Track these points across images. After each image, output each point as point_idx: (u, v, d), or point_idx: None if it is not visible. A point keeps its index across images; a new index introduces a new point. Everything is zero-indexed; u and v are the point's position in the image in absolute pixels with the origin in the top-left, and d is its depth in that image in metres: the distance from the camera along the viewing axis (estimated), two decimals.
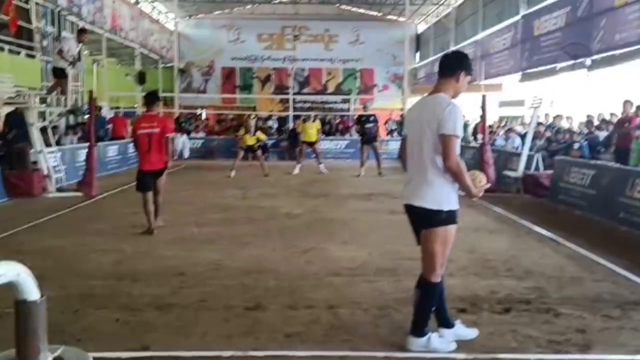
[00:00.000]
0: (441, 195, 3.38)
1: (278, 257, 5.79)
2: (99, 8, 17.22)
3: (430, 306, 3.48)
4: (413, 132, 3.48)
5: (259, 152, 14.25)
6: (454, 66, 3.43)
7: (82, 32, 11.52)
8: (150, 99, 7.18)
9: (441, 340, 3.50)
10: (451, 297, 4.44)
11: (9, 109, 11.28)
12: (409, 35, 25.54)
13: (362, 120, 14.65)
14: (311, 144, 15.03)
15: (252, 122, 14.73)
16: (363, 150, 14.56)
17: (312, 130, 15.01)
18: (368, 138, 14.42)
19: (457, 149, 3.29)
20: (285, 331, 3.74)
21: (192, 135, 20.54)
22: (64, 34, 13.60)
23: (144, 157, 6.89)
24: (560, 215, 8.64)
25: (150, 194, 6.95)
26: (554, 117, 13.97)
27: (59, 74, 10.66)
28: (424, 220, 3.43)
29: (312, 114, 16.35)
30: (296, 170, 14.45)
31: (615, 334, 3.77)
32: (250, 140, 13.96)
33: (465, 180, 3.38)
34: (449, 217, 3.42)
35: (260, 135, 14.43)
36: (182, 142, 18.55)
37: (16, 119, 10.73)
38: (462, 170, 3.31)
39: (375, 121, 14.79)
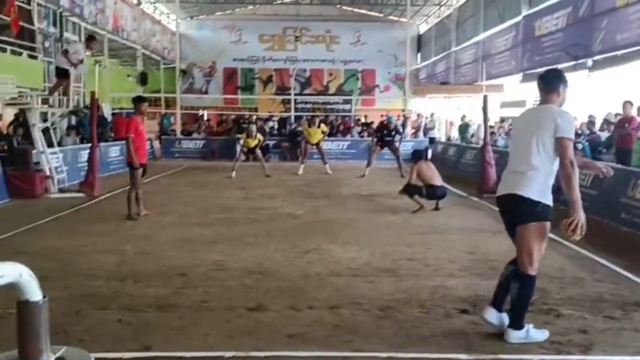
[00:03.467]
0: (542, 188, 3.64)
1: (280, 257, 5.80)
2: (100, 9, 17.26)
3: (528, 299, 3.69)
4: (524, 132, 3.76)
5: (259, 152, 14.28)
6: (555, 83, 3.80)
7: (91, 39, 11.55)
8: (134, 102, 8.37)
9: (537, 331, 3.69)
10: (453, 298, 4.46)
11: (12, 109, 11.31)
12: (410, 36, 25.54)
13: (383, 133, 14.21)
14: (316, 144, 15.01)
15: (254, 128, 14.73)
16: (374, 150, 14.39)
17: (317, 135, 14.99)
18: (386, 142, 14.16)
19: (571, 150, 3.59)
20: (287, 332, 3.75)
21: (194, 135, 20.56)
22: (71, 36, 13.65)
23: (138, 152, 8.11)
24: (560, 215, 8.58)
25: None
26: None
27: (62, 74, 10.68)
28: (522, 211, 3.64)
29: (317, 119, 16.19)
30: (300, 171, 14.47)
31: (617, 335, 3.77)
32: (252, 143, 14.04)
33: (574, 180, 3.59)
34: (544, 211, 3.63)
35: (260, 136, 14.49)
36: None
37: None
38: (575, 171, 3.58)
39: (398, 134, 14.44)
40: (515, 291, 3.65)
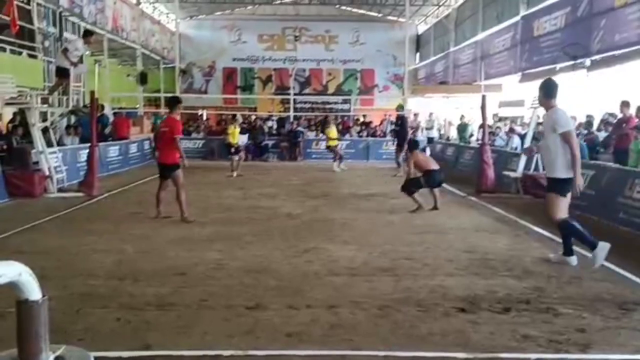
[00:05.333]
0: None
1: (279, 257, 5.80)
2: (100, 9, 17.25)
3: (579, 233, 5.41)
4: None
5: (236, 151, 14.32)
6: (554, 91, 5.64)
7: (88, 33, 11.53)
8: (170, 103, 8.33)
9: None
10: (451, 297, 4.47)
11: (11, 109, 11.31)
12: (409, 36, 25.54)
13: (394, 125, 14.92)
14: (333, 147, 15.80)
15: (236, 125, 14.80)
16: (397, 151, 14.70)
17: (333, 135, 15.89)
18: (398, 142, 14.56)
19: (575, 139, 5.41)
20: (285, 330, 3.75)
21: (193, 135, 20.56)
22: (70, 35, 13.64)
23: (158, 152, 8.25)
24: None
25: (164, 183, 7.96)
26: None
27: (62, 73, 10.68)
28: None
29: (331, 120, 17.36)
30: (337, 168, 15.24)
31: (615, 334, 3.78)
32: (234, 140, 14.15)
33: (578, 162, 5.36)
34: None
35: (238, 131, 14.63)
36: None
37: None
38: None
39: (400, 125, 14.89)
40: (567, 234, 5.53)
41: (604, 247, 5.22)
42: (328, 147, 16.28)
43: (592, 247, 5.29)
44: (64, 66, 10.56)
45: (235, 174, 13.62)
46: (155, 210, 7.91)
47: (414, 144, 9.37)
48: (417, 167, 8.90)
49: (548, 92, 5.65)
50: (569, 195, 5.42)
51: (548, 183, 5.60)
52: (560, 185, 5.38)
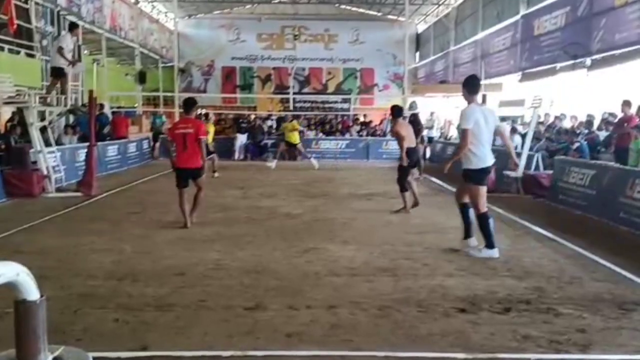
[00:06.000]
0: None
1: (278, 257, 5.79)
2: (98, 8, 17.23)
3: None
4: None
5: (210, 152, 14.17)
6: (477, 88, 6.15)
7: (74, 26, 11.48)
8: (187, 104, 7.76)
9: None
10: (451, 297, 4.46)
11: (9, 108, 11.29)
12: (409, 35, 25.52)
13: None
14: (294, 145, 15.70)
15: (209, 124, 14.62)
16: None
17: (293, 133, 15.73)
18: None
19: (466, 138, 5.88)
20: (285, 331, 3.74)
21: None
22: (62, 33, 13.59)
23: (179, 155, 7.42)
24: (560, 215, 8.64)
25: (186, 191, 7.45)
26: (555, 117, 13.95)
27: (58, 73, 10.66)
28: None
29: (211, 114, 17.15)
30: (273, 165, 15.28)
31: (616, 334, 3.77)
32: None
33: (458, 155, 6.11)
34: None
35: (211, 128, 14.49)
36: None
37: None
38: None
39: (413, 123, 14.45)
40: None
41: (476, 247, 5.88)
42: (287, 142, 16.14)
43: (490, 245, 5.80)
44: (59, 65, 10.53)
45: (217, 174, 13.25)
46: (184, 219, 7.33)
47: (398, 110, 9.04)
48: (397, 135, 8.62)
49: (472, 88, 6.08)
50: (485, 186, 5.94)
51: (463, 174, 6.01)
52: (476, 175, 5.86)
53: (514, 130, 14.97)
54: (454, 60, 23.68)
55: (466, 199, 6.02)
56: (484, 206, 5.83)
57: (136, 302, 4.31)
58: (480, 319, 3.99)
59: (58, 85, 10.76)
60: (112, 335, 3.68)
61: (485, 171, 5.95)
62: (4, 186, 9.48)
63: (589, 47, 12.45)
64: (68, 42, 10.66)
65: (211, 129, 14.27)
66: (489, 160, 5.98)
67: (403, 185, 8.61)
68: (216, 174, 13.33)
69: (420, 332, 3.76)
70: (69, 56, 10.53)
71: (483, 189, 5.87)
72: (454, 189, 11.58)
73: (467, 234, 6.06)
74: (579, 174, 8.98)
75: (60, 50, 10.48)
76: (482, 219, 5.82)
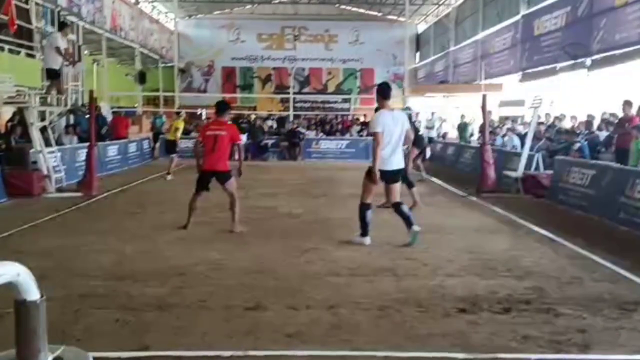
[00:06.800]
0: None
1: (278, 257, 5.79)
2: (98, 8, 17.24)
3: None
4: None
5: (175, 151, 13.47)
6: (389, 93, 6.39)
7: (64, 25, 11.47)
8: (221, 107, 7.52)
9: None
10: (451, 297, 4.45)
11: (10, 108, 11.29)
12: (409, 35, 25.59)
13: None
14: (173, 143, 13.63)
15: (180, 121, 13.90)
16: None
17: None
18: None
19: (378, 141, 6.21)
20: (285, 331, 3.74)
21: (193, 134, 20.52)
22: (53, 33, 13.61)
23: (206, 157, 7.18)
24: (560, 215, 8.63)
25: (202, 194, 7.35)
26: (555, 117, 13.95)
27: (53, 75, 10.67)
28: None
29: (183, 112, 15.83)
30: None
31: (616, 334, 3.77)
32: (172, 136, 13.48)
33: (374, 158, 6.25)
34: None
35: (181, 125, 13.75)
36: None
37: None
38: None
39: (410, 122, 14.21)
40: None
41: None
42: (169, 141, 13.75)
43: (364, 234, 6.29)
44: (53, 67, 10.53)
45: (170, 176, 12.69)
46: (187, 220, 7.23)
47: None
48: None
49: (385, 94, 6.33)
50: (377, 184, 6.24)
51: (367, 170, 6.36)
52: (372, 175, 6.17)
53: (511, 130, 15.00)
54: (454, 60, 23.69)
55: (397, 198, 6.37)
56: (367, 199, 6.26)
57: (136, 302, 4.31)
58: (480, 319, 3.99)
59: (55, 88, 10.79)
60: (112, 335, 3.67)
61: (383, 173, 6.15)
62: (4, 186, 9.48)
63: (589, 47, 12.46)
64: (58, 39, 10.67)
65: (180, 127, 13.81)
66: (394, 164, 6.24)
67: (410, 182, 8.62)
68: (170, 176, 12.76)
69: (420, 332, 3.76)
70: (65, 55, 10.53)
71: (374, 187, 6.22)
72: (454, 189, 11.68)
73: (409, 225, 6.34)
74: (579, 174, 8.98)
75: (58, 51, 10.48)
76: (362, 208, 6.24)
